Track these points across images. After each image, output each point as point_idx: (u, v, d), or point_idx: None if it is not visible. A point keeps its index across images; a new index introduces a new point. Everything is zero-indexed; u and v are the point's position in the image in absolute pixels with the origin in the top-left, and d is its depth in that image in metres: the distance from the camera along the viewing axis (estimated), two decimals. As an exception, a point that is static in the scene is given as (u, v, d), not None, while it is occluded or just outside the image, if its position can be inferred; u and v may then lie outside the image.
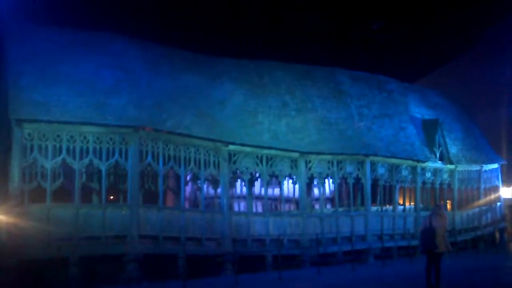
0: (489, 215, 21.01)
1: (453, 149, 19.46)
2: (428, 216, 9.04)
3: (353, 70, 19.13)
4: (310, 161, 15.67)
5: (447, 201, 19.62)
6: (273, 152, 14.99)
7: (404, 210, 18.46)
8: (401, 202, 19.31)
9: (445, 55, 29.59)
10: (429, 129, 19.16)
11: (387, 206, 18.95)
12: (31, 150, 11.86)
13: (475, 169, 20.41)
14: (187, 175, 15.30)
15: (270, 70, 16.94)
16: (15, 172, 11.68)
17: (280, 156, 15.16)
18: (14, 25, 13.20)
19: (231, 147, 14.26)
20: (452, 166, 19.26)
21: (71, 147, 12.14)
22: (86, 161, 12.32)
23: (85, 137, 12.27)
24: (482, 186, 20.84)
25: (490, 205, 21.22)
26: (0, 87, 13.04)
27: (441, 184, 19.10)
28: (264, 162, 14.89)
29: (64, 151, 12.07)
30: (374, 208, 17.72)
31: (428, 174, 18.64)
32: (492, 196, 21.42)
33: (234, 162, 14.44)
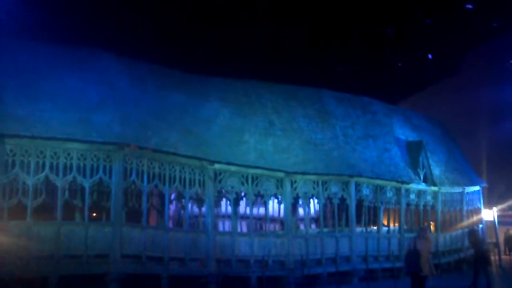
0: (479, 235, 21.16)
1: (436, 171, 19.68)
2: (413, 238, 9.09)
3: (338, 91, 19.37)
4: (295, 181, 15.66)
5: (431, 222, 19.73)
6: (258, 171, 14.95)
7: (388, 231, 18.49)
8: (385, 223, 19.36)
9: (428, 78, 30.16)
10: (413, 151, 19.37)
11: (372, 227, 18.98)
12: (13, 166, 11.62)
13: (457, 191, 20.64)
14: (172, 194, 15.14)
15: (257, 89, 17.03)
16: (-5, 188, 11.41)
17: (265, 175, 15.13)
18: (-1, 40, 13.09)
19: (217, 165, 14.19)
20: (435, 188, 19.44)
21: (54, 163, 11.94)
22: (69, 178, 12.11)
23: (69, 154, 12.09)
24: (465, 208, 21.06)
25: (473, 227, 21.40)
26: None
27: (425, 205, 19.23)
28: (249, 182, 14.83)
29: (47, 168, 11.86)
30: (358, 229, 17.70)
31: (412, 196, 18.77)
32: (474, 218, 21.64)
33: (220, 181, 14.35)
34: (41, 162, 11.85)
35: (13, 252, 11.01)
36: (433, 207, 19.57)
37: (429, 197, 19.41)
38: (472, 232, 12.72)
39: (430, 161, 19.60)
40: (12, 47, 13.05)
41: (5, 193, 11.73)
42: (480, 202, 22.34)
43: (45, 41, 14.12)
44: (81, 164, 12.19)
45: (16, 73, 12.41)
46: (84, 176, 12.21)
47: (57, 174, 11.95)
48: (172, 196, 15.98)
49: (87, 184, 12.26)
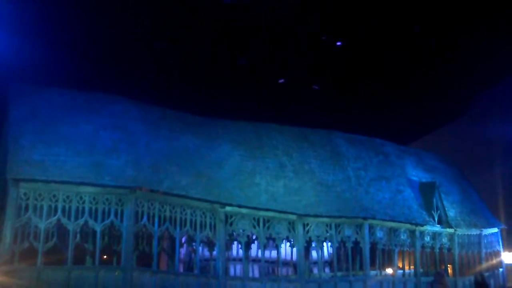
0: (491, 281, 20.48)
1: (451, 213, 19.31)
2: (430, 284, 8.85)
3: (349, 132, 19.40)
4: (308, 224, 15.47)
5: (448, 266, 19.18)
6: (270, 214, 14.83)
7: (403, 274, 18.02)
8: (400, 266, 18.89)
9: (440, 118, 30.16)
10: (427, 192, 19.09)
11: (386, 270, 18.51)
12: (26, 210, 11.73)
13: (475, 233, 20.14)
14: (182, 237, 15.05)
15: (267, 132, 17.16)
16: (7, 231, 11.48)
17: (277, 218, 14.99)
18: (16, 86, 13.52)
19: (228, 208, 14.13)
20: (451, 230, 19.02)
21: (66, 207, 12.03)
22: (81, 221, 12.15)
23: (81, 197, 12.18)
24: (483, 251, 20.47)
25: (493, 271, 20.74)
26: (0, 147, 13.12)
27: (440, 248, 18.76)
28: (261, 224, 14.70)
29: (59, 211, 11.94)
30: (373, 272, 17.27)
31: (427, 238, 18.35)
32: (494, 261, 20.99)
33: (231, 224, 14.25)
34: (53, 206, 11.95)
35: (23, 297, 10.94)
36: (449, 249, 19.08)
37: (445, 240, 18.95)
38: (479, 277, 12.23)
39: (445, 202, 19.27)
40: (29, 93, 13.46)
41: (16, 237, 11.77)
42: (499, 244, 21.72)
43: (60, 87, 14.53)
44: (93, 208, 12.25)
45: (32, 119, 12.74)
46: (96, 219, 12.24)
47: (69, 218, 12.01)
48: (183, 240, 15.87)
49: (98, 227, 12.27)
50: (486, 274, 18.87)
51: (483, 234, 20.50)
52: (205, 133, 15.58)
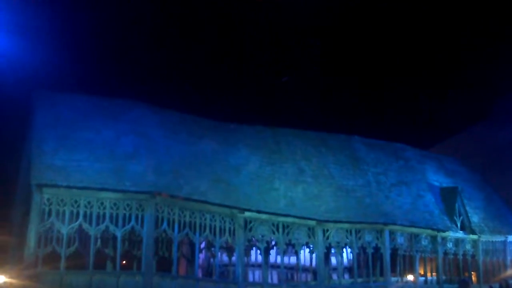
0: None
1: (474, 218, 18.93)
2: (454, 291, 8.65)
3: (368, 137, 19.21)
4: (327, 230, 15.33)
5: (472, 273, 18.79)
6: (289, 219, 14.75)
7: (426, 281, 17.71)
8: (421, 272, 18.57)
9: (461, 121, 29.70)
10: (448, 198, 18.75)
11: (407, 276, 18.20)
12: (49, 215, 11.90)
13: (499, 239, 19.66)
14: (202, 242, 15.08)
15: (286, 137, 17.10)
16: (31, 236, 11.66)
17: (296, 224, 14.90)
18: (39, 93, 13.78)
19: (247, 213, 14.10)
20: (475, 236, 18.62)
21: (88, 212, 12.17)
22: (102, 227, 12.27)
23: (102, 203, 12.31)
24: (509, 257, 19.98)
25: (505, 279, 20.21)
26: (24, 153, 13.36)
27: (464, 255, 18.38)
28: (280, 230, 14.62)
29: (81, 217, 12.08)
30: (393, 279, 17.03)
31: (450, 244, 18.00)
32: (520, 268, 20.47)
33: (250, 230, 14.21)
34: (75, 211, 12.09)
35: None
36: (473, 256, 18.68)
37: (468, 246, 18.56)
38: (504, 284, 11.93)
39: (468, 208, 18.90)
40: (52, 99, 13.70)
41: (40, 241, 11.94)
42: (524, 251, 21.18)
43: (82, 93, 14.77)
44: (114, 213, 12.36)
45: (55, 125, 12.95)
46: (117, 225, 12.34)
47: (90, 223, 12.14)
48: (202, 245, 15.89)
49: (119, 233, 12.37)
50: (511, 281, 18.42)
51: (508, 240, 20.02)
52: (224, 138, 15.61)
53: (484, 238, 18.87)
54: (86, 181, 12.16)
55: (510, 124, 27.56)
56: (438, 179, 19.49)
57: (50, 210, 11.91)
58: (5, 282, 12.76)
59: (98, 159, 12.69)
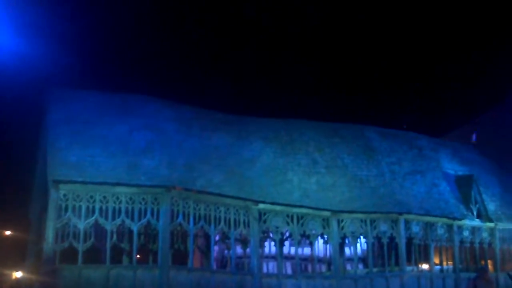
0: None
1: (491, 206, 18.72)
2: (472, 280, 8.62)
3: (381, 126, 19.06)
4: (342, 220, 15.30)
5: (488, 261, 18.62)
6: (304, 210, 14.75)
7: (442, 270, 17.61)
8: (437, 261, 18.46)
9: (475, 108, 29.32)
10: (464, 186, 18.57)
11: (422, 265, 18.13)
12: (66, 211, 12.04)
13: (516, 227, 19.47)
14: (216, 235, 15.16)
15: (298, 128, 17.05)
16: (49, 232, 11.82)
17: (311, 214, 14.89)
18: (52, 90, 13.90)
19: (261, 205, 14.13)
20: (491, 224, 18.43)
21: (103, 207, 12.29)
22: (118, 221, 12.39)
23: (117, 198, 12.41)
24: (526, 245, 19.77)
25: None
26: (40, 150, 13.52)
27: (480, 243, 18.22)
28: (294, 221, 14.63)
29: (97, 212, 12.21)
30: (409, 268, 16.96)
31: (466, 233, 17.85)
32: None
33: (264, 221, 14.25)
34: (91, 207, 12.22)
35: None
36: (490, 244, 18.52)
37: (485, 234, 18.39)
38: None
39: (484, 196, 18.68)
40: (65, 97, 13.80)
41: (57, 237, 12.09)
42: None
43: (95, 89, 14.86)
44: (130, 208, 12.47)
45: (69, 121, 13.06)
46: (132, 219, 12.45)
47: (106, 218, 12.26)
48: (217, 237, 15.98)
49: (135, 227, 12.48)
50: None
51: (525, 227, 19.78)
52: (236, 131, 15.62)
53: (501, 225, 18.66)
54: (101, 176, 12.27)
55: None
56: (453, 167, 19.28)
57: (66, 206, 12.04)
58: (24, 278, 12.98)
59: (112, 155, 12.78)
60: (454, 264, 17.60)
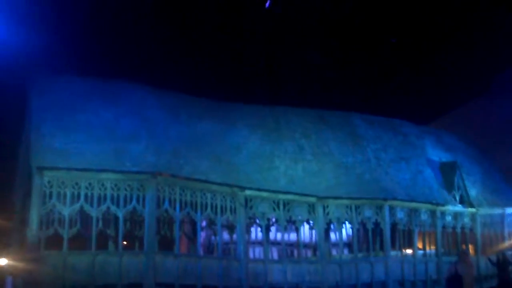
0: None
1: (473, 192, 19.07)
2: (453, 263, 8.81)
3: (367, 113, 19.19)
4: (327, 206, 15.46)
5: (470, 245, 19.02)
6: (290, 197, 14.86)
7: (424, 255, 17.94)
8: (420, 246, 18.80)
9: (460, 97, 29.58)
10: (447, 172, 18.87)
11: (406, 250, 18.45)
12: (50, 197, 11.94)
13: (497, 212, 19.86)
14: (203, 221, 15.21)
15: (285, 115, 17.08)
16: (33, 219, 11.72)
17: (297, 201, 15.01)
18: (37, 76, 13.67)
19: (248, 192, 14.19)
20: (473, 210, 18.80)
21: (89, 194, 12.21)
22: (103, 208, 12.33)
23: (103, 184, 12.34)
24: (506, 230, 20.21)
25: (502, 252, 20.46)
26: (23, 137, 13.35)
27: (462, 228, 18.59)
28: (281, 207, 14.75)
29: (82, 198, 12.14)
30: (393, 253, 17.26)
31: (449, 218, 18.19)
32: (517, 240, 20.72)
33: (251, 207, 14.33)
34: (76, 193, 12.14)
35: (50, 282, 11.21)
36: (471, 229, 18.90)
37: (466, 219, 18.76)
38: (500, 257, 12.04)
39: (466, 182, 19.03)
40: (49, 82, 13.60)
41: (42, 224, 12.02)
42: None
43: (79, 75, 14.65)
44: (115, 194, 12.41)
45: (53, 107, 12.89)
46: (118, 205, 12.41)
47: (91, 205, 12.20)
48: (203, 223, 16.03)
49: (120, 213, 12.45)
50: (510, 253, 18.66)
51: (506, 213, 20.22)
52: (223, 117, 15.59)
53: (482, 211, 19.06)
54: (86, 162, 12.18)
55: (509, 98, 27.52)
56: (437, 154, 19.55)
57: (51, 193, 11.94)
58: (8, 265, 12.90)
59: (98, 141, 12.68)
60: (436, 248, 17.94)
